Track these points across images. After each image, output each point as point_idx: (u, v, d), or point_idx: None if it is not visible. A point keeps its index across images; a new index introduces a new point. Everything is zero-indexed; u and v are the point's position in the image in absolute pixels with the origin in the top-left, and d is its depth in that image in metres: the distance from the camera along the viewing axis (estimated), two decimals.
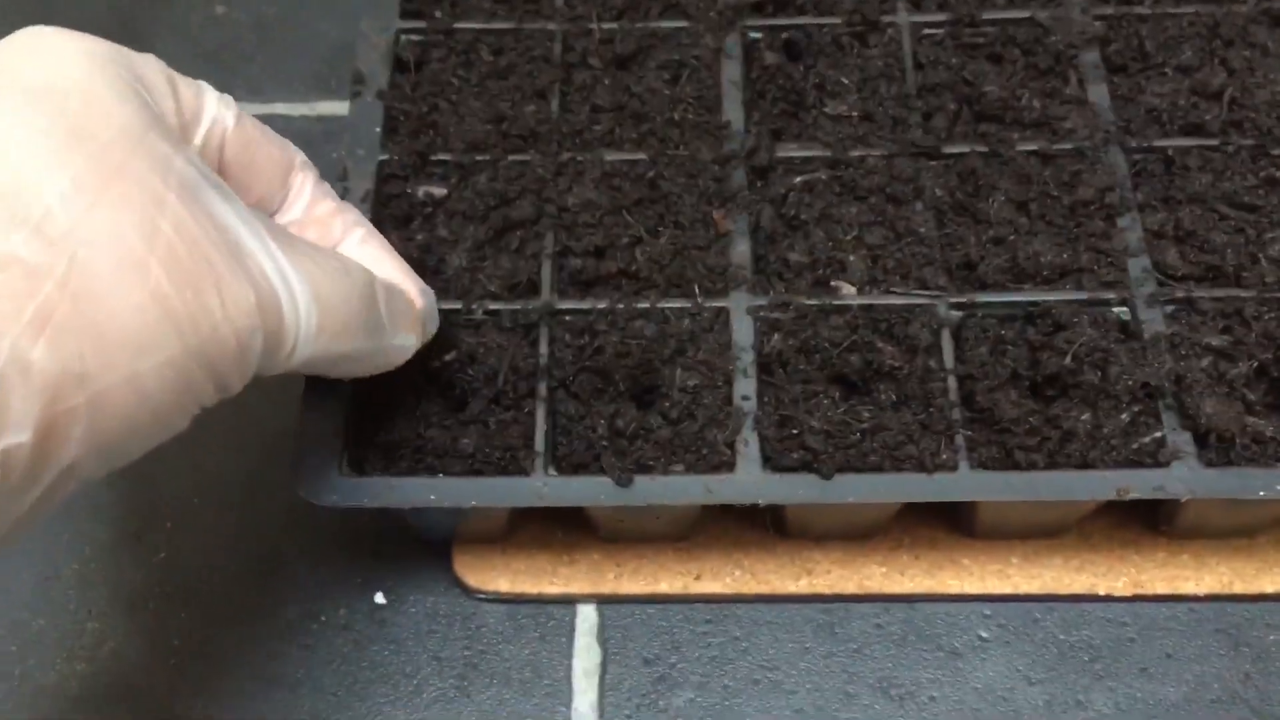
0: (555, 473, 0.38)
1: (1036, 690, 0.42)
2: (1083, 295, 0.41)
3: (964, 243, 0.42)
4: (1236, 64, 0.45)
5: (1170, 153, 0.44)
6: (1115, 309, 0.41)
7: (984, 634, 0.43)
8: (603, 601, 0.44)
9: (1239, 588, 0.44)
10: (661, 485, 0.38)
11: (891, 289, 0.41)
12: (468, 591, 0.44)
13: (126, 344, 0.27)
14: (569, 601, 0.44)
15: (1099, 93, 0.45)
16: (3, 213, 0.26)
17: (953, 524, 0.44)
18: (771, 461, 0.38)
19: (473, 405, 0.39)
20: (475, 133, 0.45)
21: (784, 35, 0.47)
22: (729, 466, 0.38)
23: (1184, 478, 0.37)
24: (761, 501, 0.37)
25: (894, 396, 0.39)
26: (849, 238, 0.42)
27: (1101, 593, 0.44)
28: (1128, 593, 0.44)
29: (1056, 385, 0.39)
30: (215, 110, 0.33)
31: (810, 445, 0.38)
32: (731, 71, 0.46)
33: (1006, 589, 0.44)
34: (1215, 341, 0.39)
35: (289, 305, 0.30)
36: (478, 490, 0.38)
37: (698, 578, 0.44)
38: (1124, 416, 0.38)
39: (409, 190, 0.44)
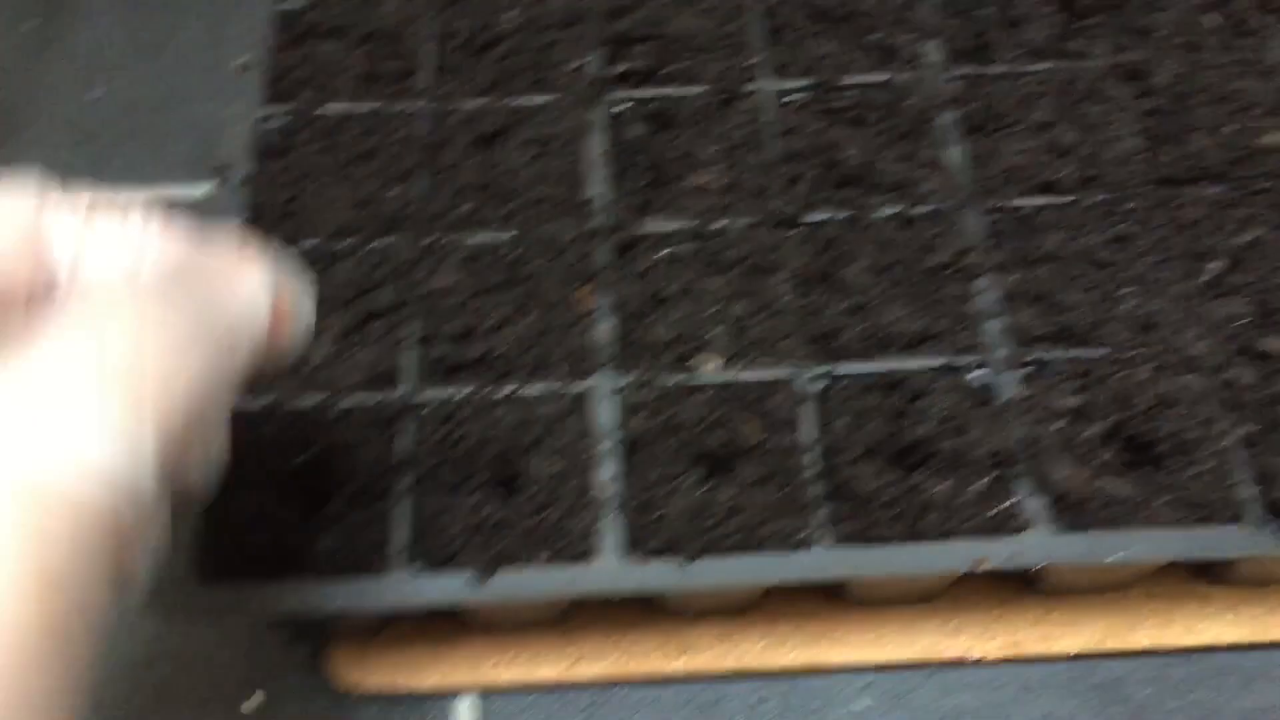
0: (419, 569, 0.38)
1: None
2: (940, 361, 0.41)
3: (825, 312, 0.42)
4: (1090, 119, 0.46)
5: (1026, 212, 0.44)
6: (973, 374, 0.41)
7: (863, 705, 0.43)
8: (484, 692, 0.44)
9: (1112, 643, 0.44)
10: (523, 578, 0.38)
11: (754, 361, 0.41)
12: (342, 691, 0.44)
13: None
14: (448, 693, 0.44)
15: (956, 154, 0.45)
16: None
17: (829, 594, 0.45)
18: (632, 548, 0.38)
19: (333, 504, 0.39)
20: (339, 219, 0.45)
21: (650, 106, 0.47)
22: (590, 555, 0.38)
23: (1038, 545, 0.37)
24: (621, 591, 0.37)
25: (756, 473, 0.39)
26: (712, 312, 0.42)
27: (976, 656, 0.44)
28: (1002, 654, 0.44)
29: (917, 454, 0.40)
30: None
31: (671, 529, 0.38)
32: (596, 145, 0.46)
33: (884, 658, 0.44)
34: (1069, 403, 0.40)
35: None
36: (337, 593, 0.37)
37: (578, 661, 0.44)
38: (980, 484, 0.39)
39: None
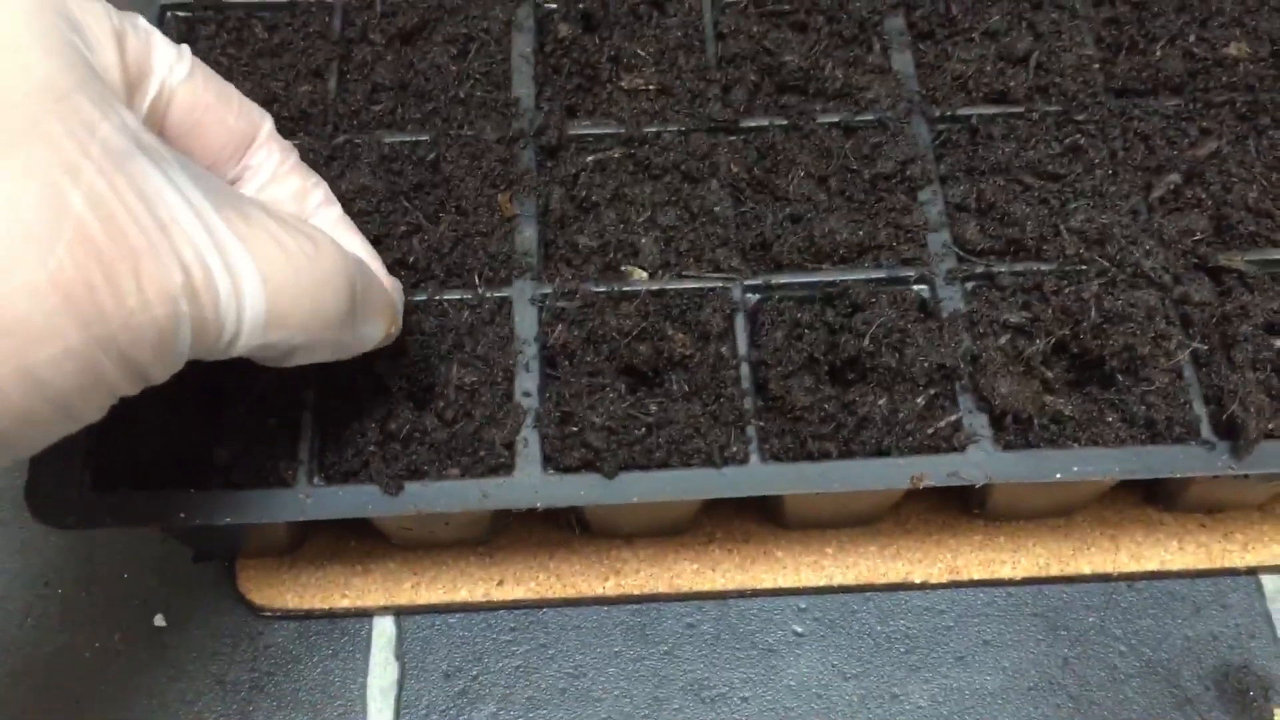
0: (322, 482, 0.36)
1: (851, 685, 0.41)
2: (881, 274, 0.39)
3: (760, 222, 0.40)
4: (1044, 27, 0.44)
5: (974, 122, 0.42)
6: (915, 286, 0.39)
7: (799, 629, 0.42)
8: (400, 613, 0.42)
9: (1055, 570, 0.42)
10: (434, 491, 0.35)
11: (684, 272, 0.39)
12: (254, 609, 0.41)
13: (15, 331, 0.23)
14: (364, 615, 0.42)
15: (903, 61, 0.43)
16: None
17: (765, 516, 0.43)
18: (552, 461, 0.36)
19: (230, 412, 0.36)
20: None
21: (580, 5, 0.45)
22: (507, 469, 0.36)
23: (979, 463, 0.36)
24: (539, 505, 0.35)
25: (685, 387, 0.37)
26: (641, 219, 0.40)
27: (918, 580, 0.42)
28: (944, 579, 0.42)
29: (856, 369, 0.38)
30: (164, 66, 0.29)
31: (592, 443, 0.36)
32: (523, 45, 0.43)
33: (821, 581, 0.42)
34: (1013, 318, 0.38)
35: (227, 291, 0.26)
36: (233, 505, 0.35)
37: (500, 583, 0.42)
38: (920, 400, 0.36)
39: None
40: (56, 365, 0.24)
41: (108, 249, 0.24)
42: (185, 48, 0.30)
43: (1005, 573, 0.42)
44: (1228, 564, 0.42)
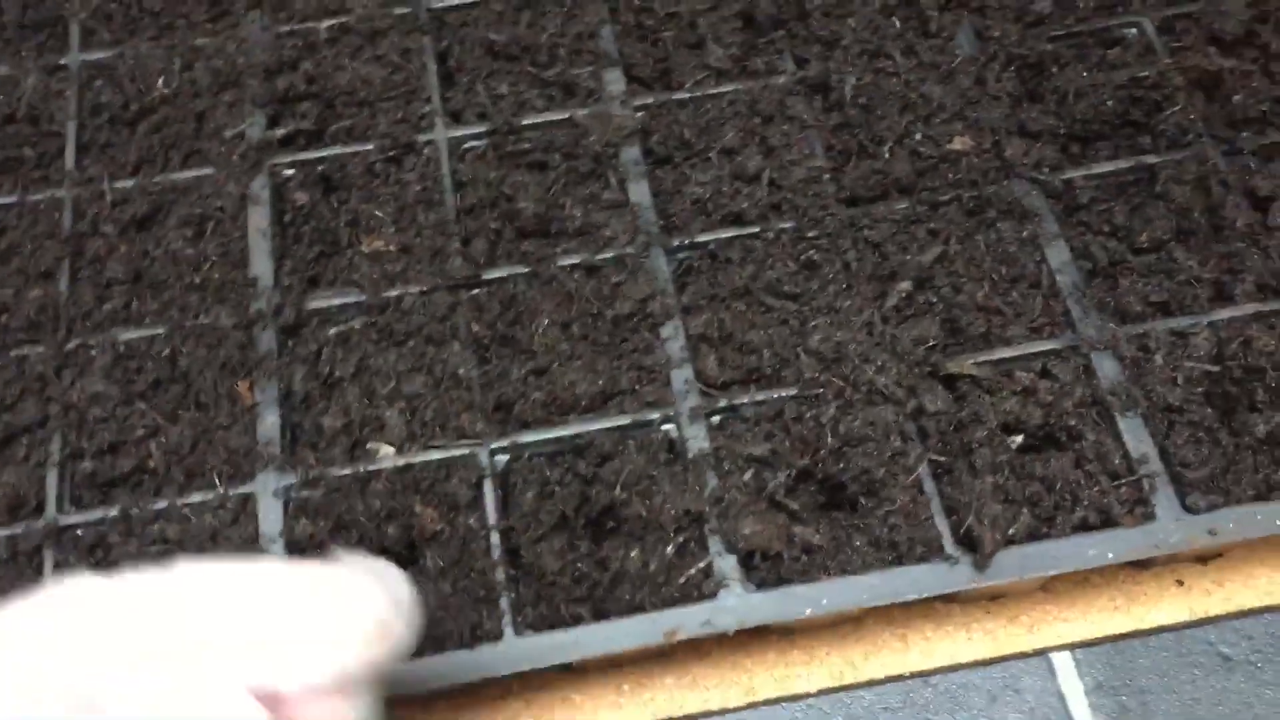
0: None
1: None
2: (626, 420, 0.39)
3: (505, 379, 0.40)
4: (775, 140, 0.44)
5: (712, 246, 0.42)
6: (663, 427, 0.39)
7: None
8: None
9: (850, 677, 0.43)
10: None
11: (430, 443, 0.39)
12: None
13: None
14: None
15: (640, 190, 0.43)
16: None
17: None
18: None
19: None
20: None
21: (317, 170, 0.44)
22: None
23: (732, 608, 0.36)
24: None
25: (439, 563, 0.37)
26: (386, 390, 0.40)
27: (715, 708, 0.42)
28: (742, 703, 0.42)
29: (608, 521, 0.38)
30: None
31: None
32: (259, 219, 0.43)
33: None
34: (757, 451, 0.38)
35: None
36: None
37: None
38: (670, 549, 0.37)
39: None
40: None
41: None
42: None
43: (801, 687, 0.42)
44: (1016, 649, 0.43)
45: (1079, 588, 0.43)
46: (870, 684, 0.43)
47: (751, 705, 0.42)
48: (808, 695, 0.43)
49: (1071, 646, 0.43)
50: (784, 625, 0.42)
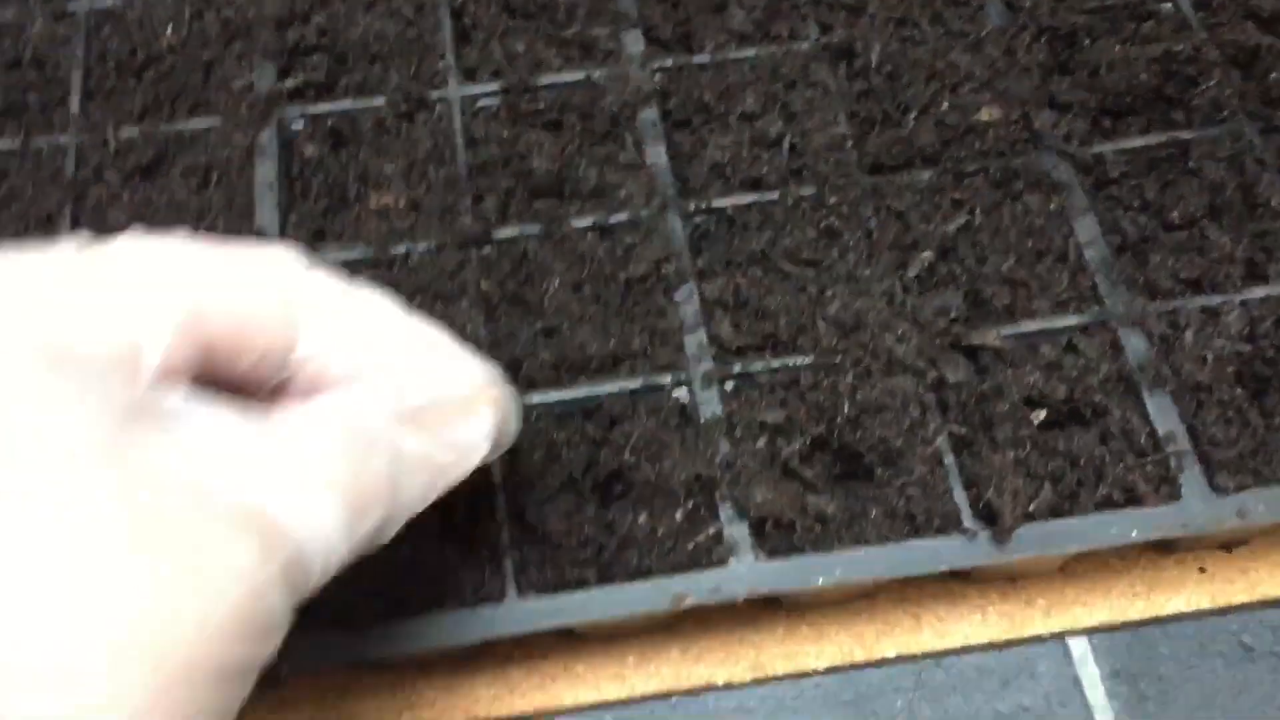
0: None
1: None
2: (638, 382, 0.38)
3: (514, 338, 0.39)
4: (797, 106, 0.43)
5: (730, 212, 0.41)
6: (675, 392, 0.38)
7: None
8: None
9: (860, 656, 0.41)
10: None
11: None
12: None
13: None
14: None
15: (657, 153, 0.42)
16: None
17: (561, 631, 0.41)
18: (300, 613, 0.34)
19: None
20: None
21: (327, 123, 0.43)
22: None
23: (742, 575, 0.35)
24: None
25: (441, 523, 0.36)
26: None
27: (721, 682, 0.41)
28: (748, 678, 0.41)
29: (617, 485, 0.37)
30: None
31: (343, 593, 0.34)
32: (266, 171, 0.42)
33: (624, 693, 0.41)
34: (770, 418, 0.37)
35: (310, 528, 0.25)
36: None
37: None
38: (680, 514, 0.36)
39: None
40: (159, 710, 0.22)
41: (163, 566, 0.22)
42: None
43: (810, 664, 0.41)
44: (1032, 632, 0.42)
45: (1098, 572, 0.42)
46: (881, 663, 0.42)
47: (758, 681, 0.41)
48: (816, 673, 0.42)
49: (1089, 631, 0.42)
50: (793, 600, 0.41)
